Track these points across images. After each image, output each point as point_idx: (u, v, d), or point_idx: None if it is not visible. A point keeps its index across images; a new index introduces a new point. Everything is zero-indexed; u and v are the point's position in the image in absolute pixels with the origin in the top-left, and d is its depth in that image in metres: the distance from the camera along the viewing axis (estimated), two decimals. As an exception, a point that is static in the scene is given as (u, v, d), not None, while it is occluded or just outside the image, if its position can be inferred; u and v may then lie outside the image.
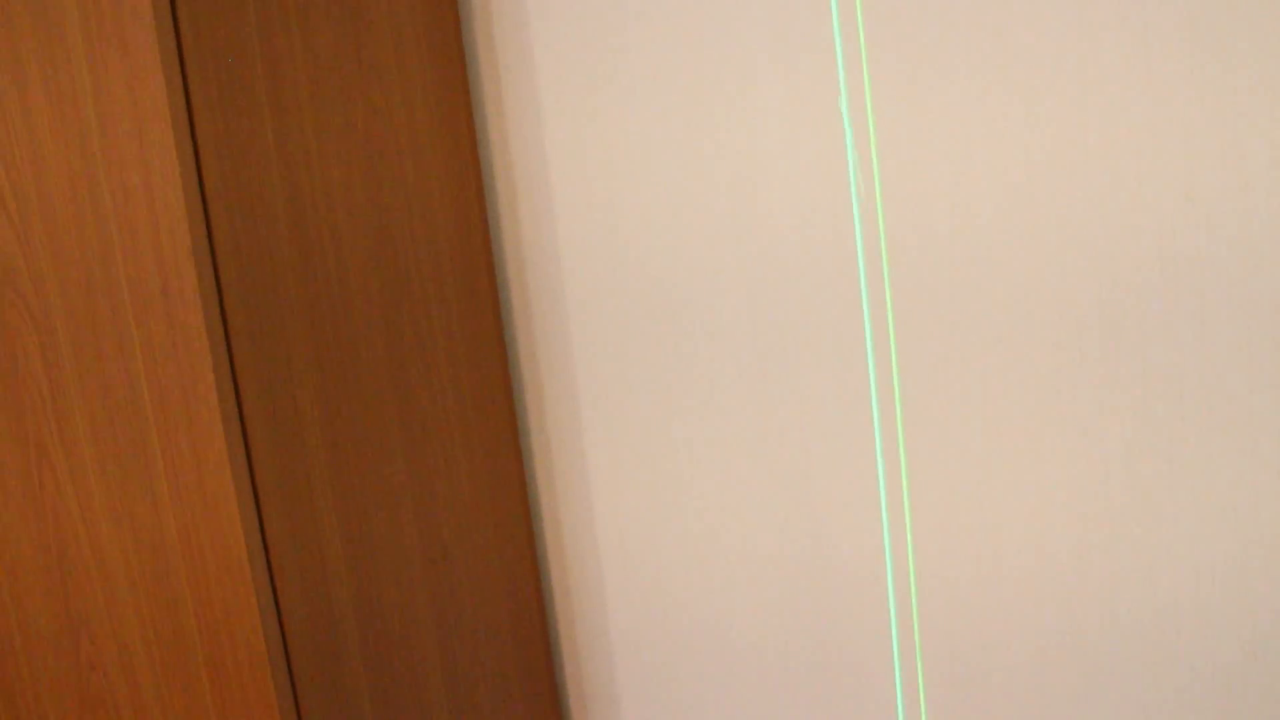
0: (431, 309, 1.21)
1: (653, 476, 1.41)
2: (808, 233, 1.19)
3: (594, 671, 1.59)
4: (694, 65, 1.18)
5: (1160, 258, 1.06)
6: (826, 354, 1.24)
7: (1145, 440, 1.13)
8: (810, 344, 1.25)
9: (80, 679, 1.12)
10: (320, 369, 1.07)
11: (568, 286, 1.33)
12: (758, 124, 1.18)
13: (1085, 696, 1.23)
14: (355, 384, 1.11)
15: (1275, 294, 1.02)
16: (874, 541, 1.32)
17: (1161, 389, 1.10)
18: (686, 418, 1.35)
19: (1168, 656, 1.16)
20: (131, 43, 0.89)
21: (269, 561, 1.02)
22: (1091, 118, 1.04)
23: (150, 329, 0.96)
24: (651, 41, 1.19)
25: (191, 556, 1.02)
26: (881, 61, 1.10)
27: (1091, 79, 1.03)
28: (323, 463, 1.08)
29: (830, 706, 1.43)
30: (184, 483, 0.99)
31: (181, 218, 0.92)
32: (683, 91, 1.19)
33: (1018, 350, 1.15)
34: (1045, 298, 1.12)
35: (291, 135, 1.02)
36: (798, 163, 1.18)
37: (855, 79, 1.11)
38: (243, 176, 0.97)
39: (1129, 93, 1.02)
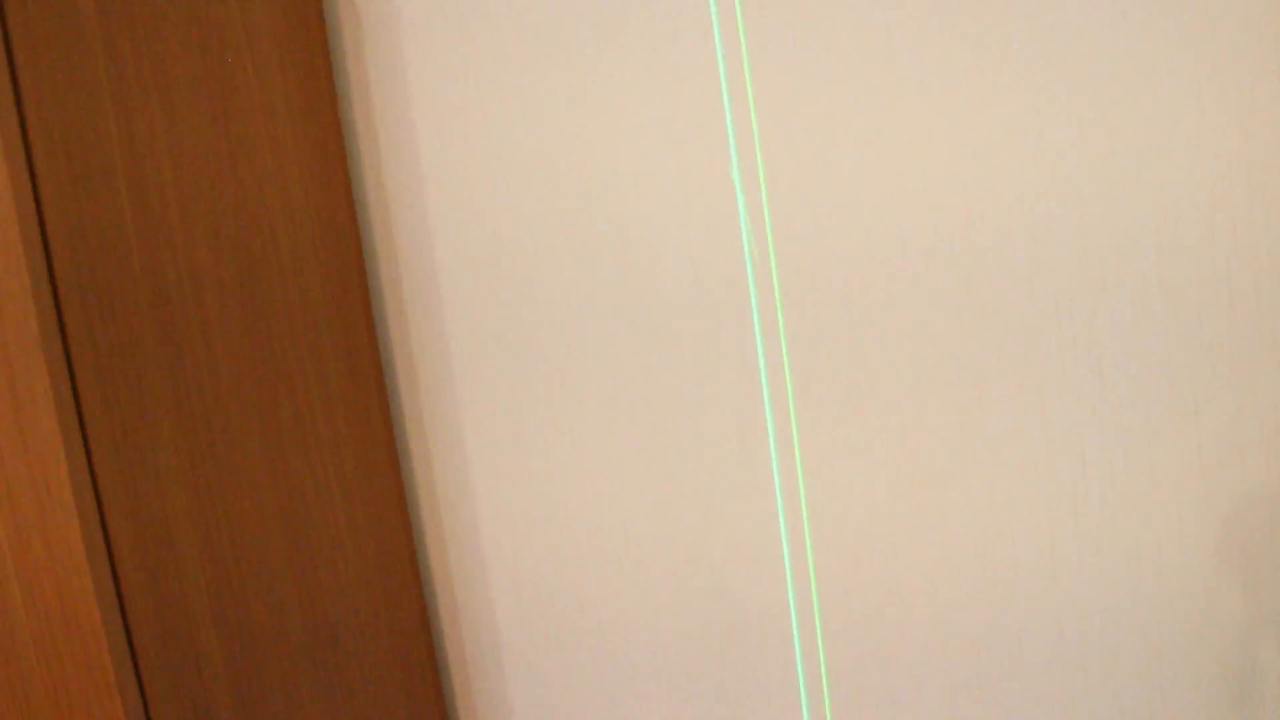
0: (294, 304, 1.16)
1: (539, 492, 1.39)
2: (694, 234, 1.16)
3: (484, 689, 1.58)
4: (573, 54, 1.14)
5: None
6: (717, 356, 1.22)
7: (1042, 454, 1.12)
8: (700, 346, 1.22)
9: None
10: (173, 377, 1.01)
11: (447, 305, 1.30)
12: (639, 123, 1.14)
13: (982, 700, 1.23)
14: (213, 389, 1.05)
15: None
16: (772, 548, 1.31)
17: (1057, 401, 1.10)
18: (575, 433, 1.32)
19: (1072, 684, 1.16)
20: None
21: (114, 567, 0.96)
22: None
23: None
24: (526, 29, 1.15)
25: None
26: (762, 52, 1.07)
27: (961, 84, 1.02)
28: (176, 466, 1.02)
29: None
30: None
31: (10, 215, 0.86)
32: (563, 80, 1.15)
33: (901, 345, 1.13)
34: (929, 306, 1.10)
35: (137, 129, 0.97)
36: (681, 159, 1.14)
37: (735, 68, 1.08)
38: (80, 171, 0.92)
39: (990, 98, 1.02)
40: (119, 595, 0.97)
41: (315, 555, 1.24)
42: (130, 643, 1.00)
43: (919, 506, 1.21)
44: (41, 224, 0.87)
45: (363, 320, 1.27)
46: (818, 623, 1.31)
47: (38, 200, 0.87)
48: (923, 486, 1.20)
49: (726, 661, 1.40)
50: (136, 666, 1.01)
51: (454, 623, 1.55)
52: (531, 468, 1.37)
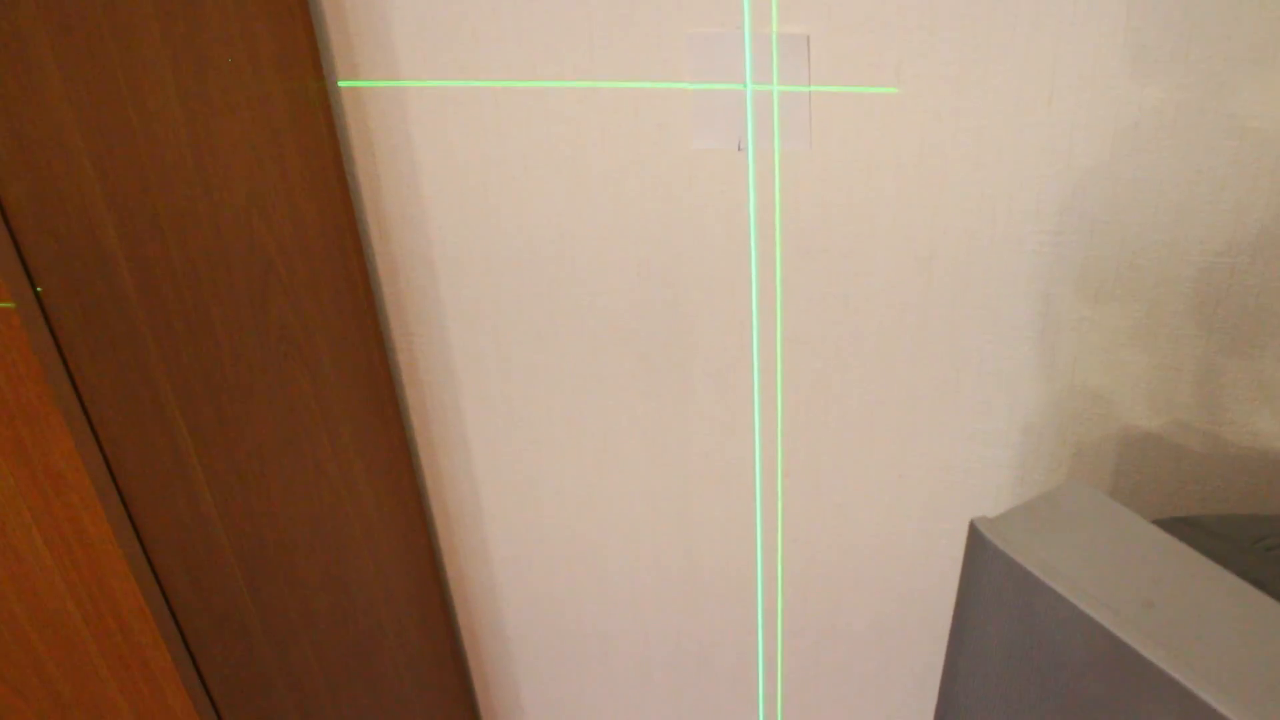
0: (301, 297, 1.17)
1: (537, 478, 1.41)
2: (699, 220, 1.16)
3: (492, 654, 1.61)
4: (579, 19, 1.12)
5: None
6: (712, 353, 1.23)
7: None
8: (696, 342, 1.23)
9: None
10: (177, 367, 1.01)
11: (444, 295, 1.30)
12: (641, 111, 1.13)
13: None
14: (220, 376, 1.07)
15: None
16: (747, 543, 1.35)
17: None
18: (571, 418, 1.34)
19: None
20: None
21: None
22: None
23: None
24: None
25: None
26: (791, 23, 1.06)
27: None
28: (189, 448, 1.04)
29: (700, 693, 1.49)
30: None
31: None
32: (566, 51, 1.13)
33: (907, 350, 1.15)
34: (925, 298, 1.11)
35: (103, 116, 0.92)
36: (696, 188, 1.14)
37: (762, 48, 1.07)
38: (43, 164, 0.86)
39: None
40: (158, 582, 1.00)
41: (342, 547, 1.27)
42: (177, 623, 1.03)
43: (895, 546, 1.26)
44: (10, 231, 0.83)
45: (368, 310, 1.29)
46: (779, 618, 1.35)
47: (28, 272, 0.85)
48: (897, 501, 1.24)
49: (699, 652, 1.45)
50: (187, 644, 1.05)
51: (466, 610, 1.58)
52: (528, 453, 1.39)
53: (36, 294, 0.84)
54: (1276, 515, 0.93)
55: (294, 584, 1.20)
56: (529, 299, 1.27)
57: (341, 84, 1.20)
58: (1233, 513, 1.09)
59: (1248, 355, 1.03)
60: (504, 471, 1.42)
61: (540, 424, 1.36)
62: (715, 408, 1.27)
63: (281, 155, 1.11)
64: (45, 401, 0.88)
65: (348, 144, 1.22)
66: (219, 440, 1.06)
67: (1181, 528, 0.75)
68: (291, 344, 1.14)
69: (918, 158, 1.05)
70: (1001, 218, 1.05)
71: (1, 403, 0.89)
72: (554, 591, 1.52)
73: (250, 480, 1.11)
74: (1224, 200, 0.97)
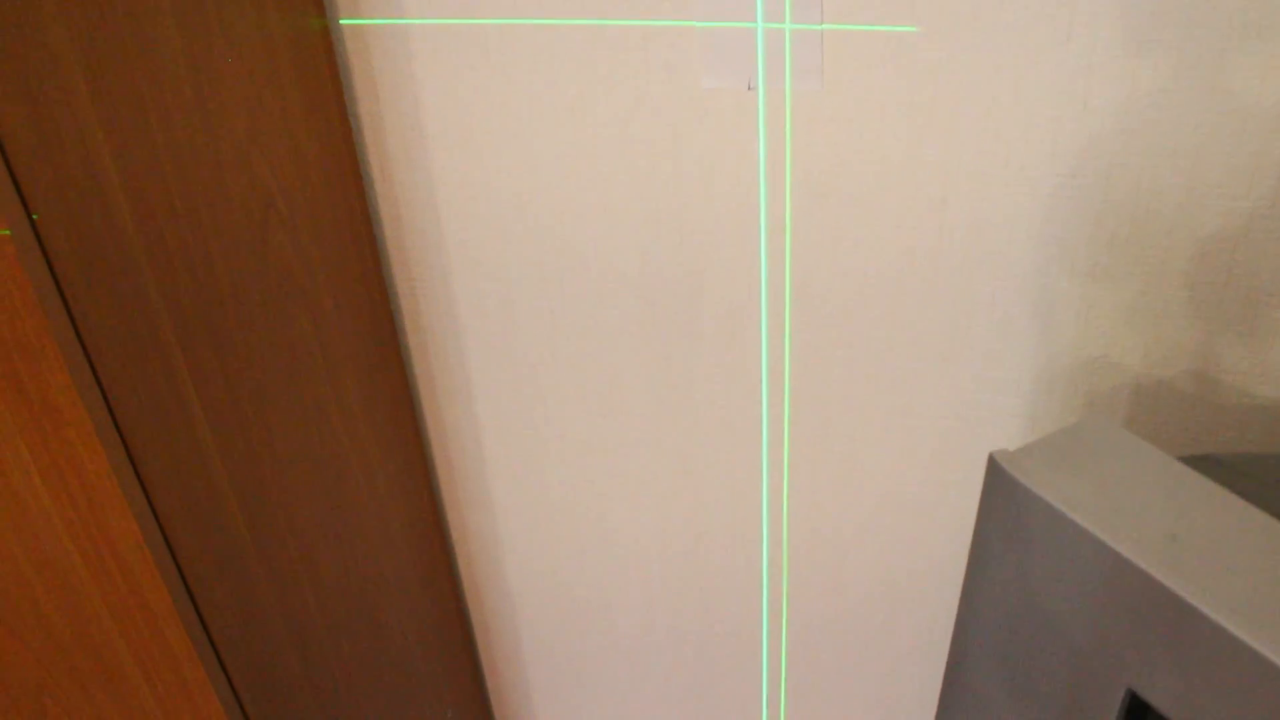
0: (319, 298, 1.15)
1: (540, 425, 1.40)
2: (707, 162, 1.14)
3: (500, 638, 1.59)
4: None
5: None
6: (719, 298, 1.22)
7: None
8: (703, 286, 1.21)
9: None
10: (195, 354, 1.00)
11: (447, 237, 1.28)
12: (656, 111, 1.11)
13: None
14: (235, 360, 1.05)
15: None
16: (752, 495, 1.34)
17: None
18: (575, 363, 1.32)
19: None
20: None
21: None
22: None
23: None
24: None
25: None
26: (803, 18, 1.04)
27: None
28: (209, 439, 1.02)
29: (706, 681, 1.50)
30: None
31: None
32: (579, 40, 1.11)
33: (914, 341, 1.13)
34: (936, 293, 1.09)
35: (119, 116, 0.91)
36: (704, 129, 1.12)
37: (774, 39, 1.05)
38: (61, 157, 0.85)
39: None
40: (158, 521, 0.99)
41: (342, 492, 1.25)
42: (177, 563, 1.02)
43: (898, 533, 1.25)
44: (5, 158, 0.81)
45: (370, 251, 1.27)
46: (784, 612, 1.34)
47: (23, 199, 0.83)
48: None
49: (705, 641, 1.44)
50: (186, 585, 1.04)
51: (468, 560, 1.57)
52: (532, 399, 1.38)
53: (32, 221, 0.82)
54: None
55: (293, 527, 1.18)
56: (533, 242, 1.25)
57: (344, 21, 1.17)
58: (1257, 451, 1.08)
59: (1266, 304, 1.01)
60: (507, 418, 1.41)
61: (544, 369, 1.34)
62: (723, 353, 1.25)
63: (283, 92, 1.08)
64: (42, 335, 0.87)
65: (350, 83, 1.20)
66: (218, 378, 1.04)
67: (1205, 464, 0.73)
68: (292, 283, 1.13)
69: (932, 98, 1.03)
70: (1016, 160, 1.03)
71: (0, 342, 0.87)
72: (558, 546, 1.51)
73: (250, 419, 1.09)
74: (1244, 146, 0.95)
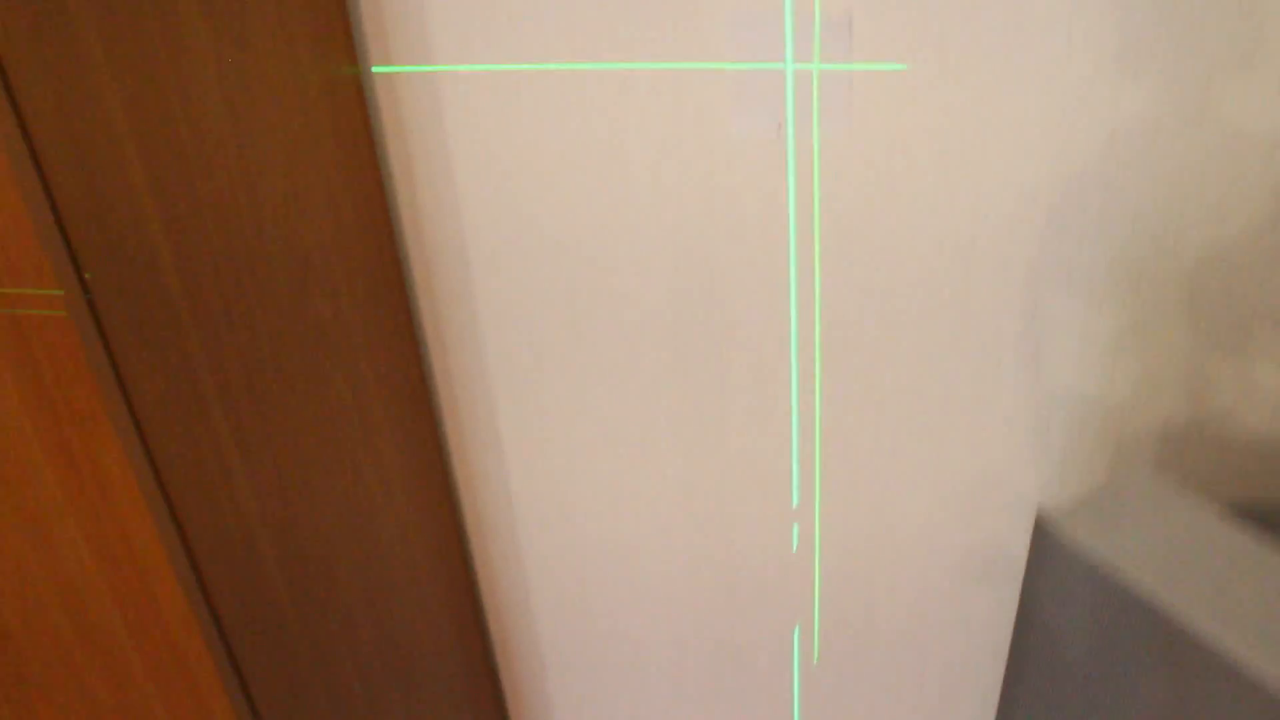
0: (340, 296, 1.14)
1: (570, 478, 1.39)
2: (737, 206, 1.14)
3: (518, 637, 1.57)
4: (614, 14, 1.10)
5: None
6: (750, 342, 1.21)
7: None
8: (734, 332, 1.21)
9: None
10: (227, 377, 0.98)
11: (478, 290, 1.27)
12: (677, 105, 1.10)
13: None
14: (265, 384, 1.03)
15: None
16: (782, 539, 1.34)
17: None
18: (605, 414, 1.31)
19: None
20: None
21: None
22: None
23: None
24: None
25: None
26: (831, 29, 1.04)
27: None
28: (233, 449, 1.00)
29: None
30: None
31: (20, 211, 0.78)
32: (602, 33, 1.10)
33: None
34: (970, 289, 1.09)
35: (148, 114, 0.89)
36: (728, 135, 1.11)
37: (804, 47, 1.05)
38: (89, 153, 0.83)
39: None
40: (203, 590, 0.97)
41: (379, 555, 1.24)
42: (222, 633, 1.00)
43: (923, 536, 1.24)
44: (59, 217, 0.79)
45: (401, 306, 1.26)
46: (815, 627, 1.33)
47: (49, 192, 0.79)
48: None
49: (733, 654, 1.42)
50: (231, 654, 1.01)
51: (498, 616, 1.55)
52: (562, 452, 1.37)
53: (83, 281, 0.81)
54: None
55: (333, 592, 1.17)
56: (563, 291, 1.24)
57: (376, 70, 1.17)
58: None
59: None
60: (537, 472, 1.39)
61: (574, 421, 1.33)
62: (753, 398, 1.24)
63: (319, 144, 1.08)
64: (94, 403, 0.85)
65: (381, 132, 1.20)
66: (261, 443, 1.03)
67: (1243, 515, 0.73)
68: (329, 343, 1.12)
69: (960, 140, 1.04)
70: (1044, 201, 1.04)
71: (50, 406, 0.86)
72: (586, 595, 1.49)
73: (291, 485, 1.08)
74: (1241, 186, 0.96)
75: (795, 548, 1.34)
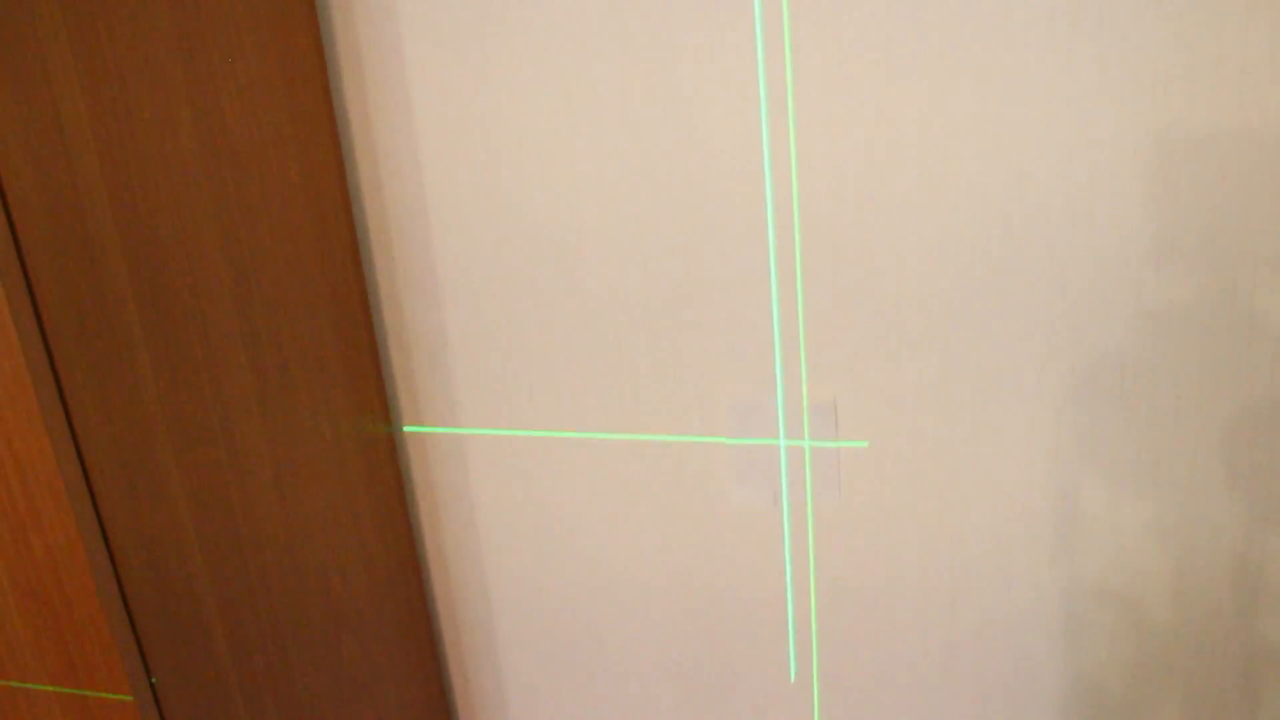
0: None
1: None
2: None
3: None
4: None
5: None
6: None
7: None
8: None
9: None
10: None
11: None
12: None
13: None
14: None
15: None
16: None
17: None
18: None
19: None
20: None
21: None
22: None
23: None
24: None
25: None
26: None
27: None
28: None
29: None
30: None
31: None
32: (619, 455, 1.22)
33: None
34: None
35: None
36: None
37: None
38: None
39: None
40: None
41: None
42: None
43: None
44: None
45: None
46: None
47: (127, 602, 0.88)
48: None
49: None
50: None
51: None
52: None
53: (154, 689, 0.91)
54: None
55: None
56: (582, 625, 1.33)
57: (407, 429, 1.30)
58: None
59: None
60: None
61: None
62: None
63: (353, 497, 1.19)
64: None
65: (411, 485, 1.32)
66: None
67: None
68: (359, 686, 1.21)
69: (939, 505, 1.14)
70: (1018, 582, 1.14)
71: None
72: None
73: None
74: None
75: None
